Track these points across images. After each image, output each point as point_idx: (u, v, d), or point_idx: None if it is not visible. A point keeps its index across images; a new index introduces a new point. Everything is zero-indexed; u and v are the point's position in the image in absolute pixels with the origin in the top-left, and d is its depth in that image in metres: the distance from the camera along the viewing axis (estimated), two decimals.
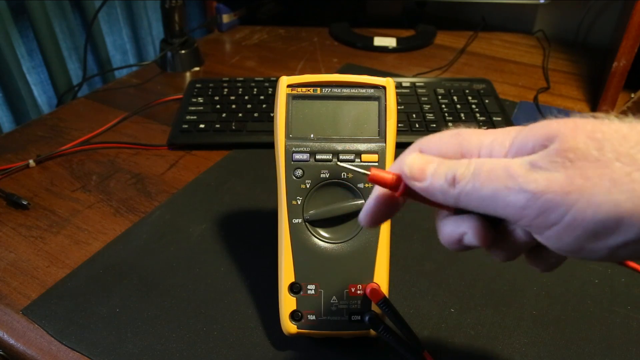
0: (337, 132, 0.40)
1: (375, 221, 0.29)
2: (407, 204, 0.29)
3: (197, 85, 0.73)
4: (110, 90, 0.79)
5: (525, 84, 0.80)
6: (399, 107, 0.68)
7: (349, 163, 0.38)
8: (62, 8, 0.83)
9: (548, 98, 0.76)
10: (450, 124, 0.66)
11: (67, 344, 0.41)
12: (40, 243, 0.51)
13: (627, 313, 0.43)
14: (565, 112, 0.72)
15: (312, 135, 0.39)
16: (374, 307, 0.38)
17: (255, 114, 0.67)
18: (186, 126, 0.65)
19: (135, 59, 1.00)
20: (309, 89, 0.40)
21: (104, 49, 0.91)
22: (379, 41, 0.92)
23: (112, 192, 0.57)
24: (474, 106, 0.69)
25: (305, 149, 0.39)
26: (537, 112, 0.72)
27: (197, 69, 0.85)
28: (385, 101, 0.40)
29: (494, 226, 0.26)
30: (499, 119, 0.67)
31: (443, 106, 0.69)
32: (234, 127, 0.65)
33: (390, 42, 0.92)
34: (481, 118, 0.67)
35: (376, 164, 0.39)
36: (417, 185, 0.26)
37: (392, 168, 0.27)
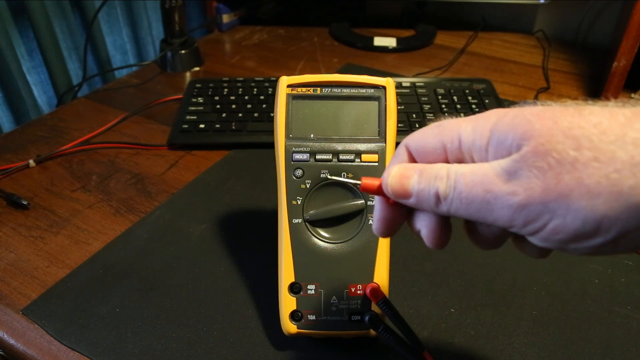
0: (337, 132, 0.40)
1: (390, 229, 0.28)
2: None
3: (197, 85, 0.73)
4: (110, 90, 0.79)
5: (525, 84, 0.80)
6: (399, 107, 0.68)
7: (339, 178, 0.38)
8: (62, 8, 0.83)
9: (548, 98, 0.76)
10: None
11: (67, 344, 0.41)
12: (40, 243, 0.51)
13: (627, 313, 0.43)
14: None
15: (312, 135, 0.39)
16: (374, 307, 0.38)
17: (255, 114, 0.67)
18: (186, 126, 0.65)
19: (135, 59, 1.00)
20: (309, 89, 0.40)
21: (104, 49, 0.91)
22: (379, 41, 0.92)
23: (112, 192, 0.57)
24: (474, 106, 0.69)
25: (305, 149, 0.39)
26: None
27: (197, 69, 0.85)
28: (385, 101, 0.40)
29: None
30: None
31: (443, 106, 0.69)
32: (234, 127, 0.65)
33: (390, 42, 0.92)
34: None
35: (376, 164, 0.39)
36: (405, 202, 0.26)
37: (384, 173, 0.28)
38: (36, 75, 0.84)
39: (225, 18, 0.97)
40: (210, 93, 0.71)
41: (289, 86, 0.40)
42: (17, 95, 0.80)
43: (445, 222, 0.26)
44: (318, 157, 0.39)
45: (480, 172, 0.23)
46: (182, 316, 0.43)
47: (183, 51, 0.83)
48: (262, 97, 0.70)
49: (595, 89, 0.79)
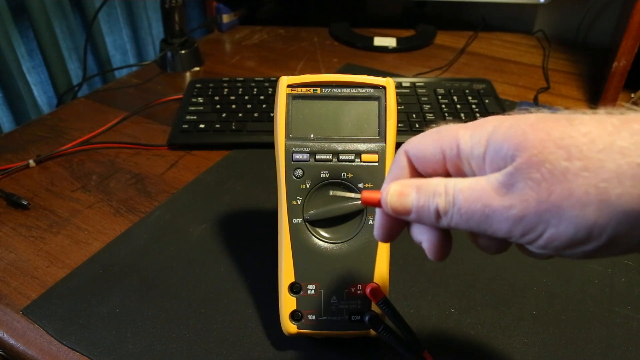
0: (337, 132, 0.40)
1: (391, 235, 0.29)
2: None
3: (197, 85, 0.73)
4: (110, 90, 0.79)
5: (525, 84, 0.80)
6: (399, 107, 0.68)
7: (341, 192, 0.38)
8: (62, 8, 0.83)
9: (548, 98, 0.76)
10: (450, 124, 0.66)
11: (67, 344, 0.41)
12: (40, 243, 0.51)
13: (627, 313, 0.43)
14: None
15: (312, 135, 0.39)
16: (374, 307, 0.38)
17: (255, 114, 0.67)
18: (186, 126, 0.65)
19: (135, 59, 1.00)
20: (309, 89, 0.40)
21: (104, 49, 0.91)
22: (379, 41, 0.92)
23: (112, 192, 0.57)
24: (474, 106, 0.69)
25: (305, 149, 0.39)
26: None
27: (197, 69, 0.85)
28: (385, 101, 0.40)
29: None
30: None
31: (443, 106, 0.69)
32: (234, 127, 0.65)
33: (390, 42, 0.92)
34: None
35: (376, 164, 0.39)
36: (406, 219, 0.27)
37: (383, 191, 0.28)
38: (36, 75, 0.84)
39: (225, 18, 0.97)
40: (210, 93, 0.71)
41: (289, 86, 0.40)
42: (17, 95, 0.80)
43: (445, 235, 0.27)
44: (318, 157, 0.39)
45: (478, 187, 0.23)
46: (182, 316, 0.43)
47: (183, 51, 0.83)
48: (262, 97, 0.70)
49: (595, 89, 0.79)
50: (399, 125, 0.65)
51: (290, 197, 0.39)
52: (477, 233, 0.25)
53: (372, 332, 0.38)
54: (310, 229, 0.39)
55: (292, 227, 0.39)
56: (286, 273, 0.39)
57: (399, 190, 0.26)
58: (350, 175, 0.39)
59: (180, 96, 0.73)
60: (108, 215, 0.54)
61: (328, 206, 0.39)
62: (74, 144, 0.64)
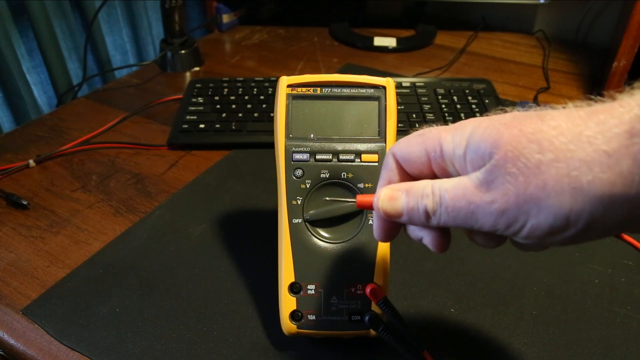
0: (337, 132, 0.40)
1: (389, 235, 0.31)
2: None
3: (197, 85, 0.73)
4: (110, 90, 0.79)
5: (525, 84, 0.80)
6: (399, 107, 0.68)
7: (335, 199, 0.39)
8: (62, 8, 0.83)
9: (548, 98, 0.76)
10: (450, 124, 0.66)
11: (67, 344, 0.41)
12: (40, 243, 0.51)
13: (627, 313, 0.43)
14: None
15: (312, 135, 0.39)
16: (374, 307, 0.38)
17: (255, 114, 0.67)
18: (186, 126, 0.65)
19: (135, 59, 1.00)
20: (309, 89, 0.40)
21: (104, 49, 0.91)
22: (379, 41, 0.92)
23: (112, 192, 0.57)
24: (474, 106, 0.69)
25: (305, 149, 0.39)
26: None
27: (197, 69, 0.85)
28: (385, 101, 0.40)
29: None
30: None
31: (443, 106, 0.69)
32: (234, 127, 0.65)
33: (390, 42, 0.92)
34: None
35: (376, 164, 0.39)
36: (397, 221, 0.28)
37: (375, 197, 0.30)
38: (36, 75, 0.84)
39: (225, 18, 0.97)
40: (210, 93, 0.71)
41: (289, 86, 0.40)
42: (17, 95, 0.80)
43: (442, 230, 0.28)
44: (318, 157, 0.39)
45: (461, 186, 0.25)
46: (182, 316, 0.43)
47: (183, 51, 0.83)
48: (262, 97, 0.70)
49: (595, 89, 0.79)
50: (399, 125, 0.65)
51: (290, 197, 0.39)
52: (466, 228, 0.26)
53: (372, 332, 0.38)
54: (310, 229, 0.39)
55: (292, 227, 0.39)
56: (286, 273, 0.38)
57: (389, 195, 0.28)
58: (350, 175, 0.39)
59: (180, 96, 0.73)
60: (108, 215, 0.54)
61: (328, 206, 0.39)
62: (74, 144, 0.64)
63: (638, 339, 0.41)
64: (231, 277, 0.47)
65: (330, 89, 0.40)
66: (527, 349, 0.41)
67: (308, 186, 0.39)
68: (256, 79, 0.74)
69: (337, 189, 0.39)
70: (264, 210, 0.54)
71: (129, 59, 0.99)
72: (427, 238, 0.28)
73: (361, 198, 0.31)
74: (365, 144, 0.39)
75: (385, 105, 0.40)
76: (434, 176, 0.28)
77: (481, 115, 0.67)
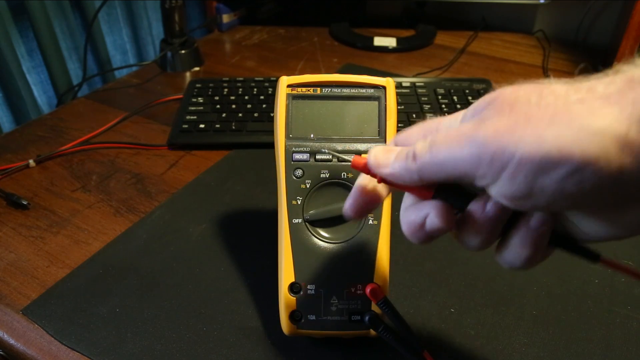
0: (337, 132, 0.40)
1: (359, 211, 0.30)
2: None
3: (197, 85, 0.73)
4: (110, 90, 0.79)
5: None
6: (399, 107, 0.68)
7: (332, 151, 0.39)
8: (62, 8, 0.83)
9: None
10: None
11: (67, 344, 0.41)
12: (40, 243, 0.51)
13: (627, 313, 0.43)
14: None
15: (312, 135, 0.39)
16: (374, 307, 0.38)
17: (255, 114, 0.67)
18: (186, 126, 0.65)
19: (135, 59, 1.00)
20: (309, 89, 0.40)
21: (104, 49, 0.91)
22: (379, 41, 0.92)
23: (112, 192, 0.57)
24: None
25: (305, 149, 0.39)
26: None
27: (197, 69, 0.85)
28: (385, 101, 0.40)
29: (461, 209, 0.27)
30: None
31: (443, 106, 0.69)
32: (234, 127, 0.65)
33: (390, 42, 0.92)
34: None
35: (367, 158, 0.39)
36: (382, 171, 0.28)
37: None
38: (36, 75, 0.84)
39: (225, 18, 0.97)
40: (210, 93, 0.71)
41: (289, 86, 0.40)
42: (17, 95, 0.80)
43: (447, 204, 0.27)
44: (318, 157, 0.39)
45: (453, 127, 0.25)
46: (182, 316, 0.43)
47: (183, 51, 0.83)
48: (262, 97, 0.70)
49: None
50: (399, 125, 0.65)
51: (290, 197, 0.39)
52: (448, 174, 0.25)
53: (372, 332, 0.38)
54: (310, 229, 0.39)
55: (292, 227, 0.39)
56: (286, 273, 0.38)
57: (387, 148, 0.28)
58: (350, 175, 0.39)
59: (180, 96, 0.73)
60: (108, 215, 0.54)
61: (328, 206, 0.39)
62: (74, 144, 0.64)
63: (638, 339, 0.41)
64: (231, 277, 0.47)
65: (330, 89, 0.40)
66: (527, 349, 0.41)
67: (308, 186, 0.39)
68: (256, 79, 0.74)
69: (337, 189, 0.39)
70: (264, 210, 0.54)
71: (129, 59, 0.99)
72: (432, 211, 0.27)
73: (357, 158, 0.30)
74: (366, 144, 0.39)
75: (385, 105, 0.40)
76: None
77: None
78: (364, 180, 0.30)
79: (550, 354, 0.40)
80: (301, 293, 0.38)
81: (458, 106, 0.69)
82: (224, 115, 0.67)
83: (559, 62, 0.87)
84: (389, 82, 0.40)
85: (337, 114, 0.40)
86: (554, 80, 0.24)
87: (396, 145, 0.30)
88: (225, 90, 0.71)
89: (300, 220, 0.39)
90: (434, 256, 0.49)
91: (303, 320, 0.39)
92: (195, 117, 0.67)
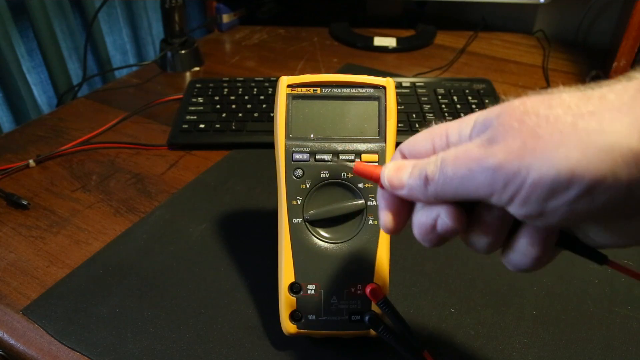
0: (337, 132, 0.40)
1: (397, 222, 0.29)
2: None
3: (197, 85, 0.73)
4: (110, 90, 0.79)
5: (525, 84, 0.80)
6: (399, 107, 0.68)
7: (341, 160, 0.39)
8: (62, 8, 0.83)
9: None
10: None
11: (67, 344, 0.41)
12: (40, 243, 0.51)
13: (627, 313, 0.43)
14: None
15: (312, 135, 0.39)
16: (374, 307, 0.38)
17: (255, 114, 0.67)
18: (186, 126, 0.65)
19: (135, 59, 1.00)
20: (309, 89, 0.40)
21: (104, 49, 0.91)
22: (379, 41, 0.92)
23: (112, 192, 0.57)
24: (474, 106, 0.69)
25: (305, 149, 0.39)
26: None
27: (197, 69, 0.85)
28: (385, 101, 0.40)
29: (469, 210, 0.27)
30: None
31: (443, 106, 0.69)
32: (234, 127, 0.65)
33: (390, 42, 0.92)
34: None
35: (376, 163, 0.39)
36: (398, 193, 0.28)
37: (383, 168, 0.29)
38: (36, 75, 0.84)
39: (225, 18, 0.97)
40: (210, 93, 0.71)
41: (289, 86, 0.40)
42: (17, 95, 0.80)
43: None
44: (318, 157, 0.39)
45: (462, 148, 0.24)
46: (182, 316, 0.43)
47: (183, 51, 0.83)
48: (262, 97, 0.70)
49: None
50: (399, 125, 0.65)
51: (290, 197, 0.39)
52: (462, 196, 0.25)
53: (372, 332, 0.38)
54: (310, 229, 0.39)
55: (292, 227, 0.39)
56: (286, 273, 0.38)
57: (397, 165, 0.28)
58: (350, 175, 0.39)
59: (180, 96, 0.73)
60: (108, 215, 0.54)
61: (328, 206, 0.39)
62: (74, 144, 0.64)
63: (638, 339, 0.41)
64: (231, 277, 0.47)
65: (330, 89, 0.40)
66: (527, 349, 0.41)
67: (308, 186, 0.39)
68: (256, 79, 0.74)
69: (337, 189, 0.39)
70: (264, 210, 0.54)
71: (129, 59, 0.99)
72: (443, 211, 0.26)
73: (360, 165, 0.29)
74: (366, 144, 0.39)
75: (385, 105, 0.40)
76: None
77: None
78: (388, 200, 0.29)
79: (550, 354, 0.40)
80: (301, 293, 0.38)
81: (458, 106, 0.69)
82: (224, 115, 0.67)
83: (559, 62, 0.87)
84: (389, 82, 0.40)
85: (337, 114, 0.40)
86: (563, 88, 0.23)
87: (402, 154, 0.29)
88: (225, 90, 0.71)
89: (300, 220, 0.39)
90: (434, 256, 0.49)
91: (303, 320, 0.39)
92: (195, 117, 0.67)
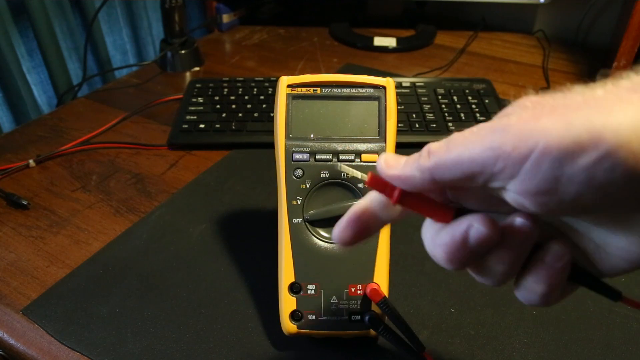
0: (337, 132, 0.40)
1: (354, 237, 0.27)
2: None
3: (197, 85, 0.73)
4: (110, 90, 0.79)
5: (525, 84, 0.80)
6: (399, 107, 0.68)
7: (347, 163, 0.38)
8: (62, 8, 0.83)
9: None
10: (449, 124, 0.66)
11: (67, 344, 0.41)
12: (40, 243, 0.51)
13: (627, 313, 0.43)
14: None
15: (312, 135, 0.40)
16: (374, 307, 0.38)
17: (255, 114, 0.67)
18: (186, 126, 0.65)
19: (135, 59, 1.00)
20: (309, 89, 0.40)
21: (104, 49, 0.91)
22: (379, 41, 0.92)
23: (112, 192, 0.57)
24: (474, 106, 0.69)
25: (305, 149, 0.39)
26: None
27: (197, 69, 0.85)
28: (385, 101, 0.40)
29: None
30: None
31: (443, 106, 0.69)
32: (234, 127, 0.65)
33: (390, 42, 0.92)
34: (481, 118, 0.67)
35: (376, 164, 0.39)
36: (392, 172, 0.25)
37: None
38: (36, 75, 0.84)
39: (225, 18, 0.97)
40: (210, 93, 0.71)
41: (289, 86, 0.40)
42: (17, 95, 0.80)
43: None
44: (318, 157, 0.39)
45: (469, 129, 0.23)
46: (182, 316, 0.43)
47: (183, 51, 0.83)
48: (262, 97, 0.70)
49: None
50: (399, 125, 0.65)
51: (290, 197, 0.39)
52: (464, 172, 0.23)
53: (372, 332, 0.38)
54: (310, 229, 0.39)
55: (292, 227, 0.39)
56: (286, 273, 0.39)
57: (396, 155, 0.26)
58: (350, 176, 0.39)
59: (180, 96, 0.73)
60: (108, 215, 0.54)
61: (328, 206, 0.39)
62: (74, 144, 0.64)
63: (638, 339, 0.41)
64: (231, 277, 0.47)
65: (330, 89, 0.40)
66: (527, 349, 0.41)
67: (308, 186, 0.39)
68: (256, 79, 0.74)
69: (337, 188, 0.39)
70: (264, 210, 0.54)
71: (129, 59, 0.99)
72: (475, 221, 0.24)
73: (374, 175, 0.26)
74: (365, 144, 0.39)
75: (385, 105, 0.40)
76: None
77: (481, 115, 0.67)
78: (364, 203, 0.27)
79: (550, 354, 0.40)
80: (301, 293, 0.38)
81: (458, 106, 0.69)
82: (224, 115, 0.67)
83: (559, 62, 0.87)
84: (389, 82, 0.40)
85: (337, 114, 0.40)
86: (570, 86, 0.23)
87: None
88: (225, 90, 0.71)
89: (300, 220, 0.39)
90: None
91: (303, 320, 0.39)
92: (195, 117, 0.67)
